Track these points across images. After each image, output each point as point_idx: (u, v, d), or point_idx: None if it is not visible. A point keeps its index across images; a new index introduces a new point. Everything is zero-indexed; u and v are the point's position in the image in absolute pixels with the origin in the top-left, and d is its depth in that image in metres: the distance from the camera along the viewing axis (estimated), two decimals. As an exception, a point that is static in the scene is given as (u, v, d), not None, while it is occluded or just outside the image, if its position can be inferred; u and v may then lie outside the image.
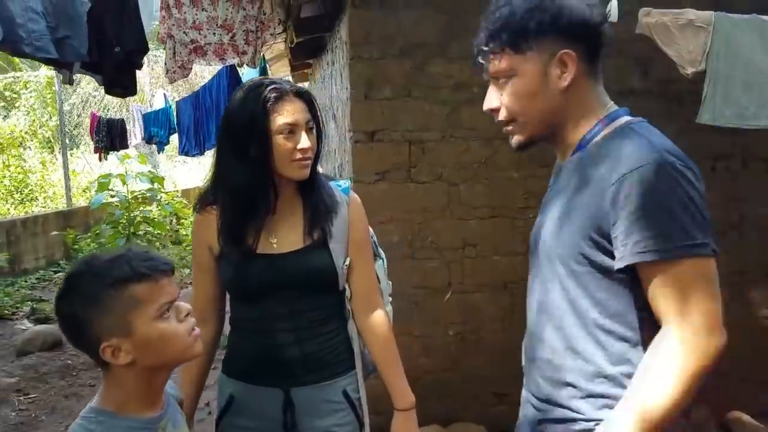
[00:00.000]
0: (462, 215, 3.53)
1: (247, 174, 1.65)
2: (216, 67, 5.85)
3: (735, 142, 3.55)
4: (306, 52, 5.77)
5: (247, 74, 6.15)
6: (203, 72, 14.16)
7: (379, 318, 1.84)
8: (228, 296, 1.84)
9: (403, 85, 3.44)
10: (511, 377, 3.54)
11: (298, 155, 1.65)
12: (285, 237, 1.72)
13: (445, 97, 3.46)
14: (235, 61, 3.77)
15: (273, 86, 1.66)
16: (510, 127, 1.39)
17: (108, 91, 3.41)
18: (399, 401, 1.81)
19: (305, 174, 1.69)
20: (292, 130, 1.64)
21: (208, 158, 13.85)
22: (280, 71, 8.20)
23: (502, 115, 1.37)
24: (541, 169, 3.52)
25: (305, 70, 7.65)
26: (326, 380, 1.75)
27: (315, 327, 1.74)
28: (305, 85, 10.37)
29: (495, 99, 1.36)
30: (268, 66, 6.78)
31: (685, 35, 2.97)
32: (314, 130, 1.71)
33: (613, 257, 1.28)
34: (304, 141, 1.65)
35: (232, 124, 1.68)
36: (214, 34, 3.64)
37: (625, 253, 1.23)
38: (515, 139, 1.41)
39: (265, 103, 1.62)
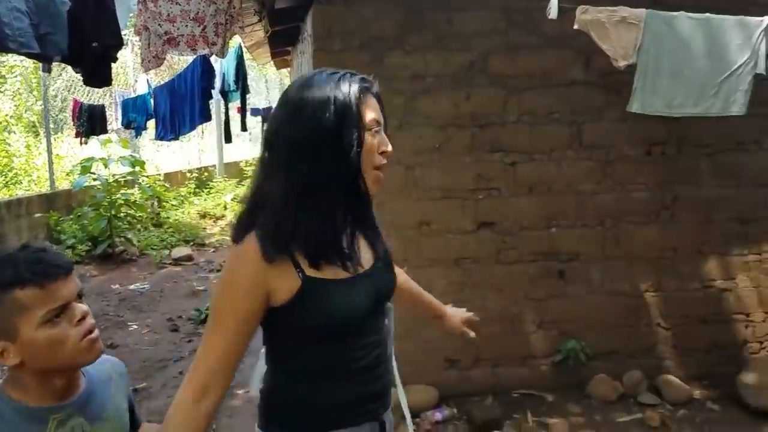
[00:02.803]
0: (418, 196, 3.81)
1: (345, 172, 1.38)
2: (189, 58, 6.08)
3: (670, 129, 3.85)
4: (283, 41, 6.00)
5: (224, 64, 6.38)
6: (187, 59, 14.30)
7: (401, 272, 1.78)
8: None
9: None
10: (461, 346, 3.87)
11: (381, 160, 1.44)
12: (362, 252, 1.52)
13: (402, 87, 3.72)
14: (206, 51, 4.01)
15: (357, 76, 1.45)
16: None
17: (86, 83, 3.65)
18: (440, 305, 2.01)
19: (379, 188, 1.46)
20: (378, 129, 1.44)
21: (192, 142, 14.04)
22: (262, 57, 8.43)
23: None
24: (491, 154, 3.82)
25: (286, 57, 7.89)
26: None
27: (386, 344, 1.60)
28: (288, 71, 10.58)
29: None
30: (248, 52, 6.99)
31: (619, 31, 3.25)
32: None
33: None
34: (388, 142, 1.45)
35: (317, 118, 1.36)
36: (186, 26, 3.88)
37: None
38: None
39: (358, 93, 1.40)
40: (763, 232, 4.00)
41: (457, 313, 2.00)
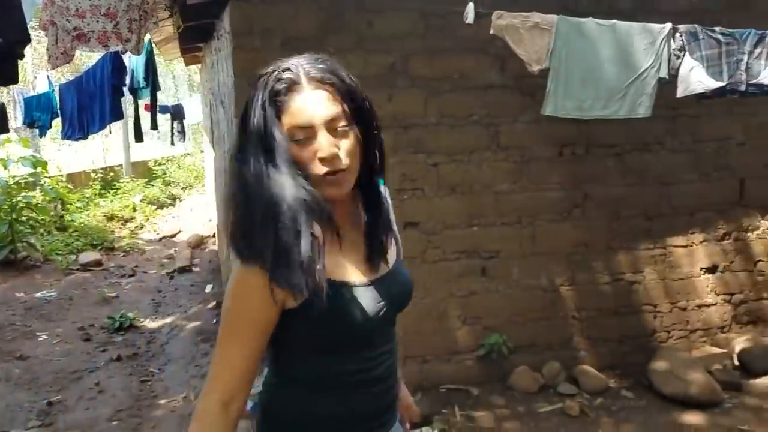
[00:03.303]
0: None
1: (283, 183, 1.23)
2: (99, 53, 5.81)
3: (580, 130, 4.02)
4: (195, 37, 5.84)
5: (133, 60, 6.13)
6: (89, 54, 13.67)
7: None
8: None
9: (285, 75, 3.66)
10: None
11: (320, 168, 1.25)
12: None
13: (324, 88, 3.70)
14: (119, 48, 3.85)
15: (283, 72, 1.26)
16: None
17: (-11, 80, 3.43)
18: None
19: (337, 193, 1.28)
20: (307, 135, 1.25)
21: (95, 141, 13.42)
22: (171, 53, 8.15)
23: None
24: (414, 155, 3.88)
25: (197, 53, 7.67)
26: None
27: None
28: (197, 68, 10.27)
29: None
30: (156, 48, 6.76)
31: (532, 36, 3.36)
32: (353, 129, 1.28)
33: None
34: (323, 146, 1.24)
35: (246, 127, 1.28)
36: (97, 21, 3.70)
37: None
38: None
39: (273, 97, 1.25)
40: (666, 227, 4.26)
41: (405, 395, 1.75)
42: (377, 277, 1.38)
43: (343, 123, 1.26)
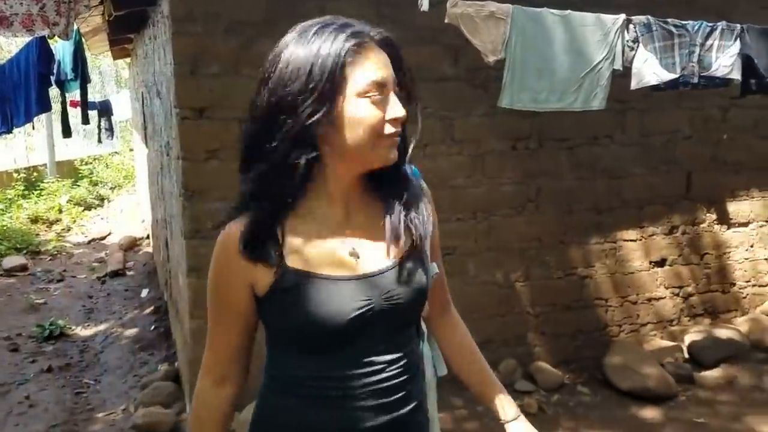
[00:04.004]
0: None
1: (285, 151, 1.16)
2: (24, 39, 5.42)
3: (533, 124, 3.98)
4: (126, 27, 5.53)
5: (60, 46, 5.74)
6: (9, 45, 12.95)
7: (458, 318, 1.55)
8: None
9: (232, 62, 3.46)
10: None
11: (390, 129, 1.15)
12: (369, 251, 1.23)
13: (272, 77, 3.52)
14: (45, 32, 3.56)
15: (348, 28, 1.14)
16: None
17: None
18: (513, 407, 1.46)
19: (394, 157, 1.19)
20: (383, 93, 1.14)
21: (17, 138, 12.69)
22: (98, 46, 7.74)
23: None
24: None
25: (126, 45, 7.33)
26: None
27: (416, 370, 1.32)
28: (126, 62, 9.83)
29: None
30: (83, 40, 6.38)
31: (488, 26, 3.27)
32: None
33: None
34: (398, 107, 1.15)
35: (284, 86, 1.13)
36: (21, 4, 3.40)
37: None
38: None
39: (342, 53, 1.11)
40: (616, 221, 4.26)
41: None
42: (366, 273, 1.21)
43: (398, 90, 1.18)
